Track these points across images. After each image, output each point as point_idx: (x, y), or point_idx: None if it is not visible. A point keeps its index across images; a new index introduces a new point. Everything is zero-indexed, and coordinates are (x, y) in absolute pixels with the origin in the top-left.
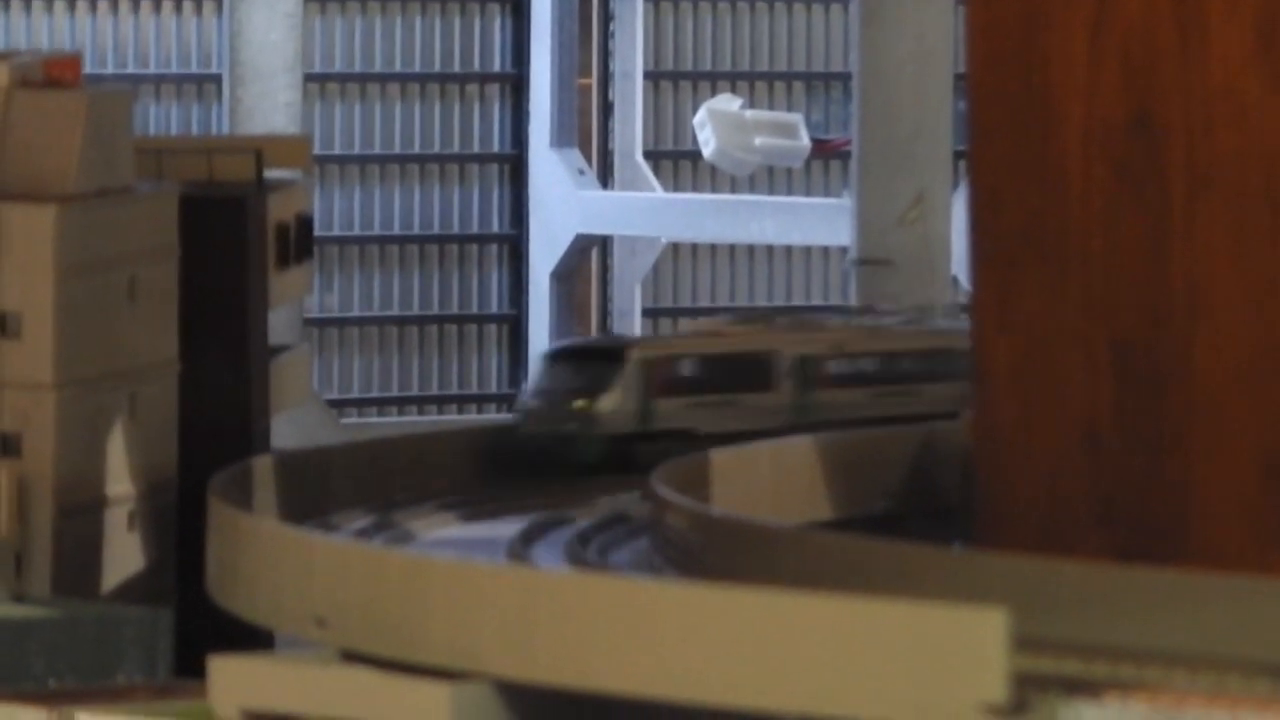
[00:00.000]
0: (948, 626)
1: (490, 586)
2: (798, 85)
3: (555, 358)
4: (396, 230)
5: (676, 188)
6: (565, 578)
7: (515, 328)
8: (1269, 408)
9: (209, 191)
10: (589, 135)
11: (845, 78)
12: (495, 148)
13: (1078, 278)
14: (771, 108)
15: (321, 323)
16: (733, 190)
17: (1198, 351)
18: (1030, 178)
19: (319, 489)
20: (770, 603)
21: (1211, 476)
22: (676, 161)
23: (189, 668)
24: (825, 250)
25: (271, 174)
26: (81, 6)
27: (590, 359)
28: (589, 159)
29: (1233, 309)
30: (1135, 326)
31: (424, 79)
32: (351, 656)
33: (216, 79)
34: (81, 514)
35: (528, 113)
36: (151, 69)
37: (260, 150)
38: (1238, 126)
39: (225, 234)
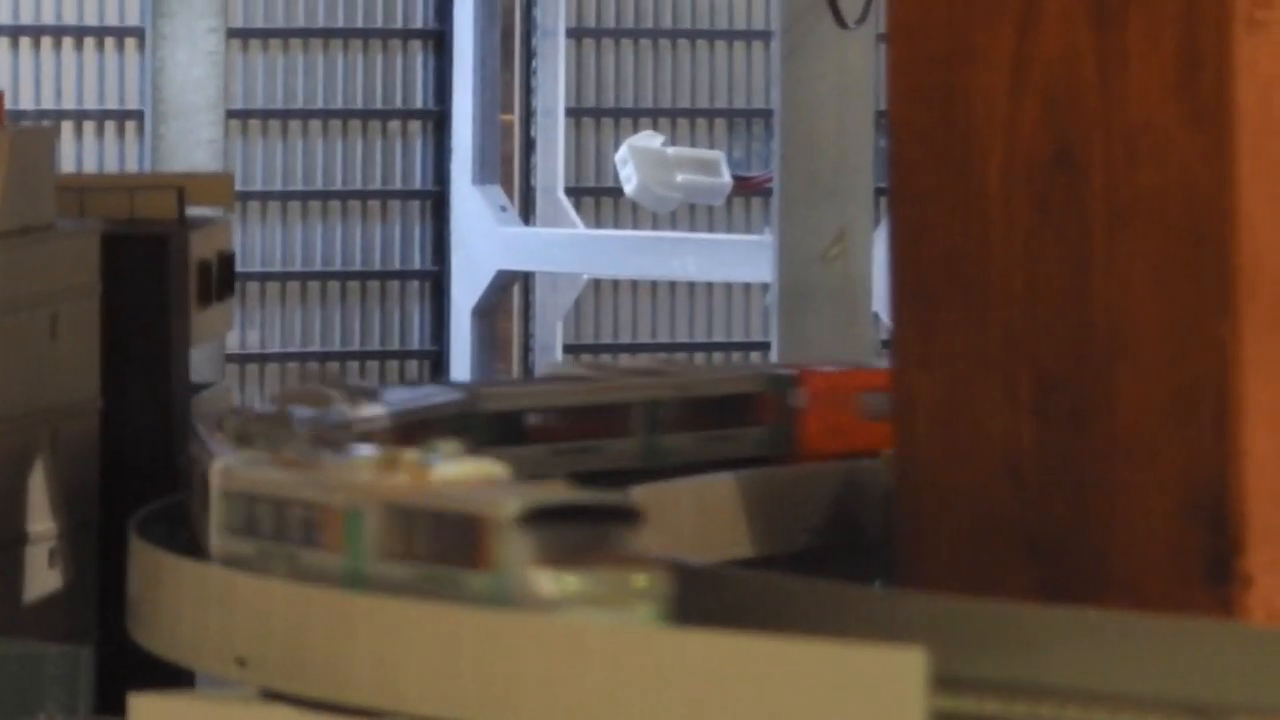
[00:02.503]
0: (865, 666)
1: (413, 624)
2: (719, 122)
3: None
4: (318, 266)
5: (598, 224)
6: (489, 616)
7: (437, 364)
8: (1191, 445)
9: (131, 229)
10: (511, 172)
11: (767, 114)
12: (417, 184)
13: (999, 314)
14: (693, 144)
15: (243, 359)
16: (654, 227)
17: (1120, 388)
18: (951, 213)
19: None
20: (687, 642)
21: (1134, 513)
22: (598, 198)
23: (110, 706)
24: (746, 287)
25: (194, 211)
26: (2, 43)
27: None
28: (511, 195)
29: (1155, 345)
30: (1057, 363)
31: (346, 115)
32: (273, 695)
33: (139, 115)
34: (2, 550)
35: (449, 149)
36: (73, 105)
37: (182, 188)
38: (1159, 162)
39: (147, 271)
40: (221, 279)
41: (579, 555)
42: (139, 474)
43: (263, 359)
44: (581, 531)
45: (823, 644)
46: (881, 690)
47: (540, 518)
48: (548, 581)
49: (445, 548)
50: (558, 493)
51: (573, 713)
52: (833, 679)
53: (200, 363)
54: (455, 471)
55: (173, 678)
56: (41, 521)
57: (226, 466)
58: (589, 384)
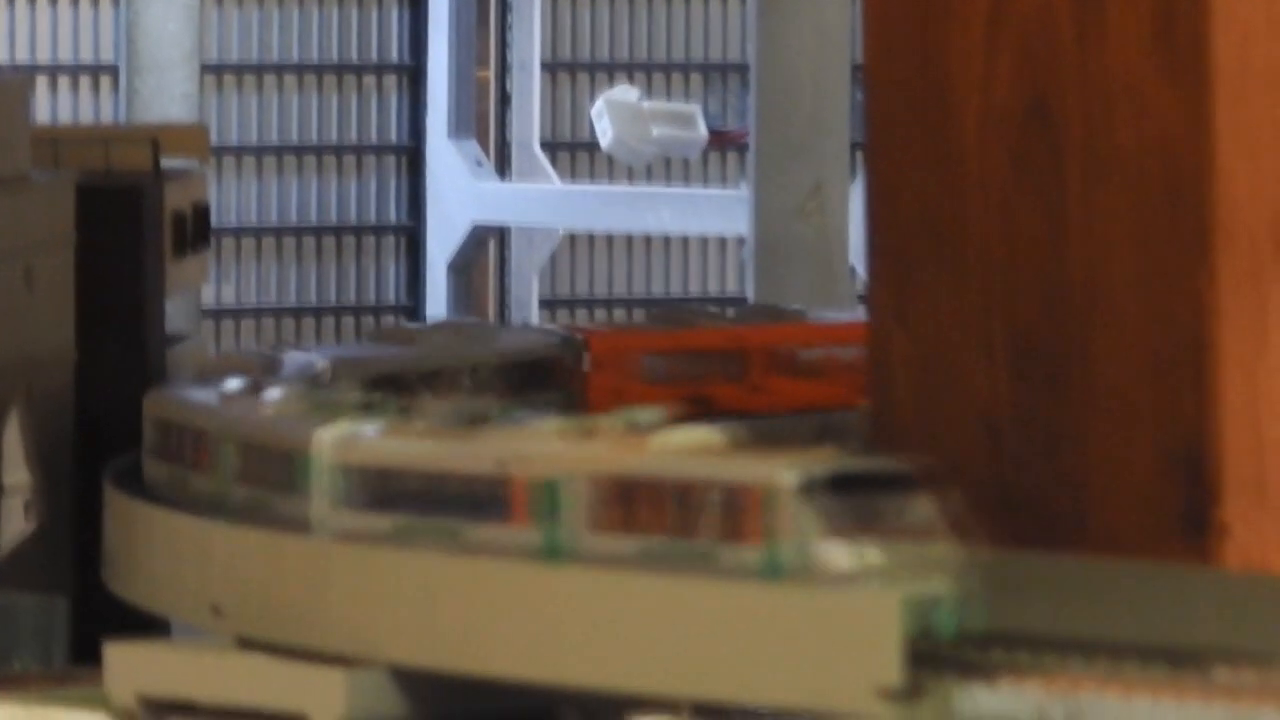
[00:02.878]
0: (842, 610)
1: (388, 572)
2: (695, 76)
3: None
4: (293, 221)
5: (574, 178)
6: (464, 563)
7: (412, 318)
8: (1168, 398)
9: (106, 181)
10: (486, 126)
11: (743, 69)
12: (392, 139)
13: (975, 269)
14: (669, 99)
15: (218, 314)
16: (630, 181)
17: (1096, 343)
18: (927, 169)
19: None
20: (665, 587)
21: (1111, 468)
22: (574, 152)
23: (86, 656)
24: (723, 241)
25: (169, 163)
26: None
27: None
28: (486, 150)
29: (1132, 299)
30: (1033, 318)
31: (321, 69)
32: (249, 644)
33: (113, 70)
34: None
35: (425, 104)
36: (47, 59)
37: (157, 139)
38: (1136, 118)
39: (122, 223)
40: (197, 230)
41: (867, 525)
42: (114, 426)
43: (238, 314)
44: (864, 500)
45: (800, 588)
46: (858, 634)
47: (821, 487)
48: (841, 554)
49: (691, 520)
50: (835, 460)
51: (547, 660)
52: (810, 623)
53: (175, 315)
54: (681, 439)
55: (148, 627)
56: (16, 474)
57: (345, 437)
58: (402, 348)
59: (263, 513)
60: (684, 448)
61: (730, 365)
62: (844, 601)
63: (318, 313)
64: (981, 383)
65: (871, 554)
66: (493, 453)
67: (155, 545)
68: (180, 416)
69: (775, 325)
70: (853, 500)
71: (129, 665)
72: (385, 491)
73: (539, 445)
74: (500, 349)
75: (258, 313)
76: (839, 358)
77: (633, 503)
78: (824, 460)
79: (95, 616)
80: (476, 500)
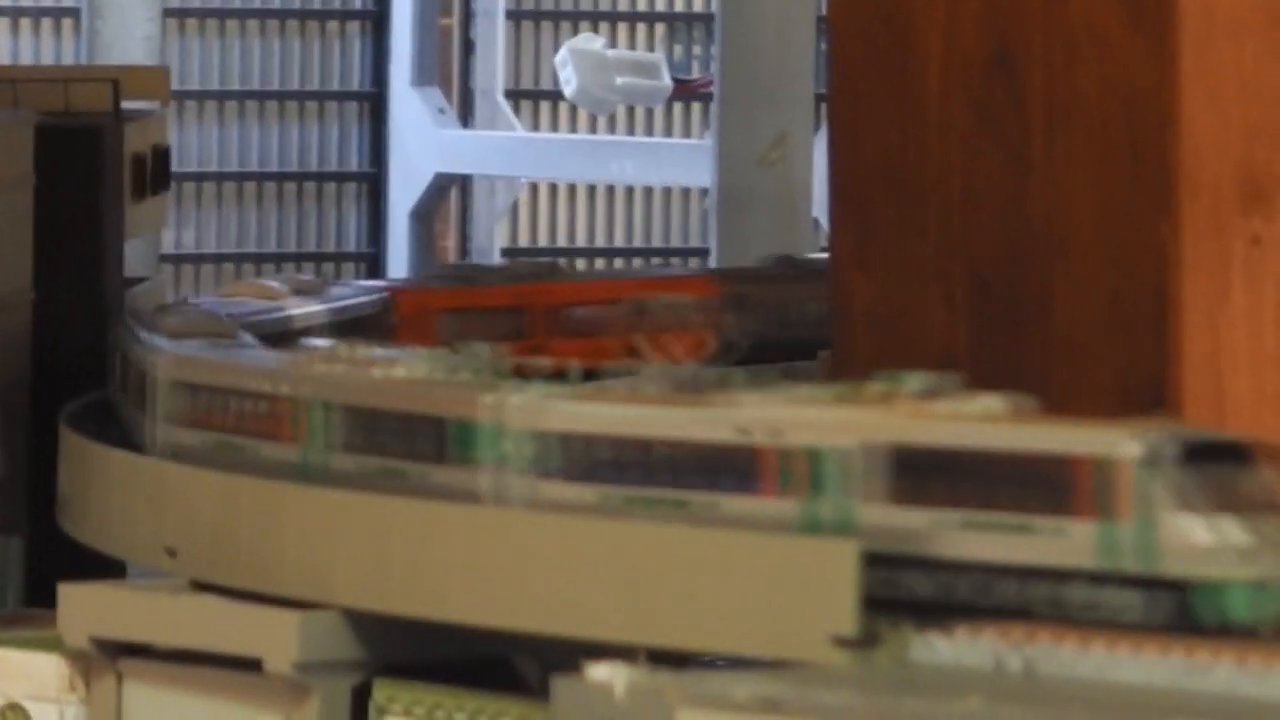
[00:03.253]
0: (798, 557)
1: (342, 515)
2: (660, 26)
3: None
4: (255, 167)
5: (537, 127)
6: (418, 506)
7: (373, 266)
8: (1129, 347)
9: (65, 121)
10: (450, 74)
11: (708, 18)
12: (355, 85)
13: (936, 214)
14: (633, 47)
15: (178, 259)
16: (593, 130)
17: (1057, 290)
18: (889, 115)
19: None
20: (623, 531)
21: (1069, 413)
22: (537, 101)
23: (40, 598)
24: (686, 191)
25: (129, 105)
26: None
27: None
28: (449, 98)
29: (1093, 247)
30: (994, 264)
31: (284, 15)
32: (203, 587)
33: (75, 12)
34: None
35: (388, 50)
36: (7, 0)
37: (117, 80)
38: (1099, 62)
39: (81, 163)
40: (156, 173)
41: (1223, 500)
42: (71, 367)
43: (198, 259)
44: (1213, 473)
45: (755, 535)
46: (813, 582)
47: (1169, 459)
48: (1198, 529)
49: (1000, 493)
50: (1176, 430)
51: (502, 605)
52: (766, 570)
53: (134, 259)
54: (976, 407)
55: (103, 569)
56: None
57: (534, 403)
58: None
59: (410, 483)
60: (985, 416)
61: (517, 324)
62: (801, 550)
63: (279, 259)
64: (941, 327)
65: (1231, 530)
66: (734, 420)
67: (110, 487)
68: (252, 382)
69: (558, 284)
70: (1201, 473)
71: (83, 607)
72: (587, 461)
73: (799, 412)
74: (329, 305)
75: (218, 259)
76: (613, 317)
77: (919, 473)
78: (1164, 430)
79: (49, 558)
80: (709, 470)
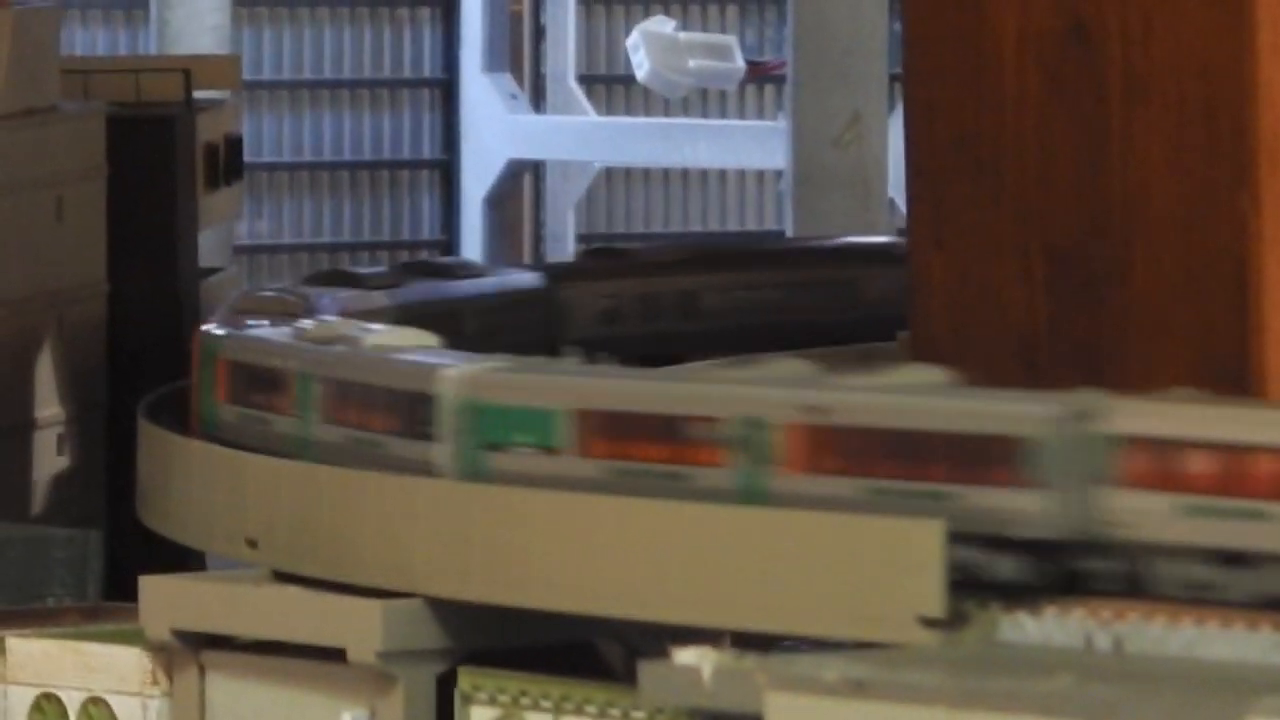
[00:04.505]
0: (884, 538)
1: (422, 502)
2: (731, 7)
3: None
4: (327, 156)
5: (609, 112)
6: (499, 492)
7: (446, 254)
8: (1207, 319)
9: (136, 111)
10: (521, 60)
11: (780, 0)
12: (426, 72)
13: (1013, 190)
14: (705, 30)
15: (252, 250)
16: (666, 114)
17: (1135, 262)
18: (965, 89)
19: None
20: (704, 516)
21: (1149, 388)
22: (609, 85)
23: (120, 591)
24: (760, 173)
25: (200, 94)
26: None
27: None
28: (521, 83)
29: (1171, 219)
30: (1071, 238)
31: (354, 2)
32: (284, 577)
33: (144, 3)
34: (9, 437)
35: (459, 37)
36: None
37: (189, 69)
38: (1174, 37)
39: (153, 154)
40: (229, 162)
41: None
42: (146, 357)
43: (272, 249)
44: None
45: (841, 516)
46: (900, 562)
47: None
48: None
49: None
50: None
51: (583, 591)
52: (851, 551)
53: (208, 249)
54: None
55: (182, 561)
56: (49, 407)
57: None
58: None
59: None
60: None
61: None
62: (888, 531)
63: (352, 248)
64: (1019, 302)
65: None
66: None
67: (190, 478)
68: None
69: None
70: None
71: (164, 599)
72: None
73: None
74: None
75: (292, 249)
76: None
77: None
78: None
79: (129, 550)
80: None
